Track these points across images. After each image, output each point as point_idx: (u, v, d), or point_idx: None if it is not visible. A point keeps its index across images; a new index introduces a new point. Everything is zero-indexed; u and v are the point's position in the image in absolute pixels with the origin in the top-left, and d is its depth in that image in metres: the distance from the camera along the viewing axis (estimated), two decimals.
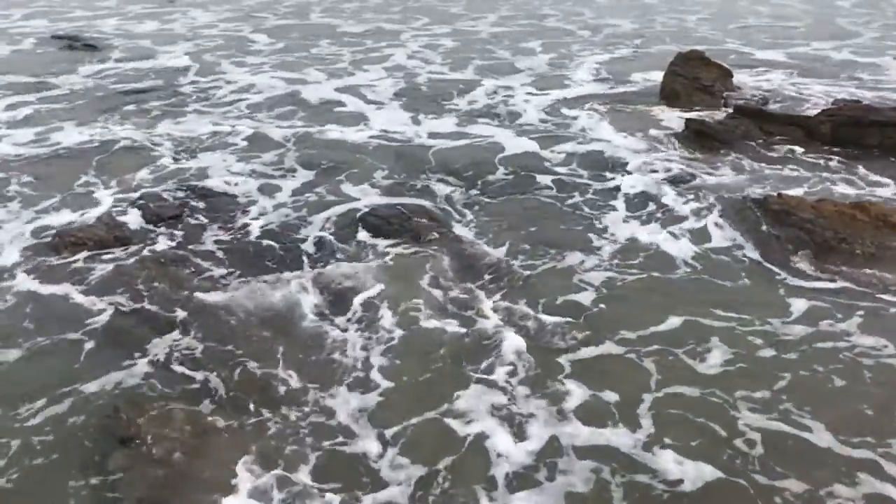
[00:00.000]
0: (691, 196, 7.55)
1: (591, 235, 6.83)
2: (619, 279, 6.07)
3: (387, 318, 5.48)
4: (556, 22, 18.76)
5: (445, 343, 5.20)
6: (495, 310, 5.60)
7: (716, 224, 6.94)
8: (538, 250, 6.55)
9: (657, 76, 12.01)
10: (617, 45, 15.73)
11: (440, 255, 6.34)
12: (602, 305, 5.72)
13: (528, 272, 6.17)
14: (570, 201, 7.56)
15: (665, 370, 4.93)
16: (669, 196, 7.57)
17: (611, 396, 4.65)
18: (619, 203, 7.50)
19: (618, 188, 7.84)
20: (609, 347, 5.19)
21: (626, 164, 8.46)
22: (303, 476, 4.01)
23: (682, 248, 6.56)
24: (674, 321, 5.45)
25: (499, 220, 7.14)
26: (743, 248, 6.49)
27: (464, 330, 5.34)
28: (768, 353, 5.09)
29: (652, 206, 7.38)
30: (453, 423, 4.43)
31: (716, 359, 5.02)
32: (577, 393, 4.68)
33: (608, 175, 8.20)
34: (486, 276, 6.09)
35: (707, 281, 6.05)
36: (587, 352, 5.12)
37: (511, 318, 5.50)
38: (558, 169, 8.44)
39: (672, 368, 4.95)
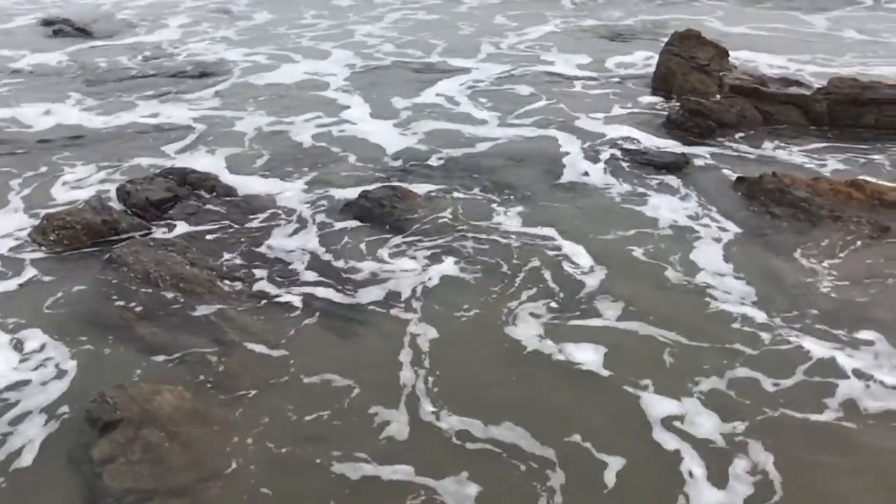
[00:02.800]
0: (691, 179, 7.45)
1: (604, 234, 6.44)
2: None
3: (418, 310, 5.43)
4: None
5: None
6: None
7: (710, 205, 6.88)
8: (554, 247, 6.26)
9: (644, 55, 11.96)
10: (603, 20, 15.53)
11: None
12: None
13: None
14: (562, 192, 7.44)
15: None
16: (668, 181, 7.44)
17: None
18: (617, 187, 7.35)
19: (617, 172, 7.69)
20: None
21: (619, 148, 8.30)
22: (293, 462, 3.96)
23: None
24: None
25: (498, 211, 7.06)
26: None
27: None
28: None
29: (649, 192, 7.25)
30: None
31: None
32: None
33: (608, 162, 7.98)
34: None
35: None
36: None
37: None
38: (550, 159, 8.15)
39: None
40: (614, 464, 3.90)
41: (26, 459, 4.00)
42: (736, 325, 5.06)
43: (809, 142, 8.42)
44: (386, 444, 4.08)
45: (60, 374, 4.68)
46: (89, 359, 4.82)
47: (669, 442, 4.04)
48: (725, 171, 7.59)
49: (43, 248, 6.17)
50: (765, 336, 4.92)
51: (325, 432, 4.16)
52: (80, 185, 7.52)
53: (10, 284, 5.71)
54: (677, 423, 4.17)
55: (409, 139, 8.89)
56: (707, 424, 4.16)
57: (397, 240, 6.29)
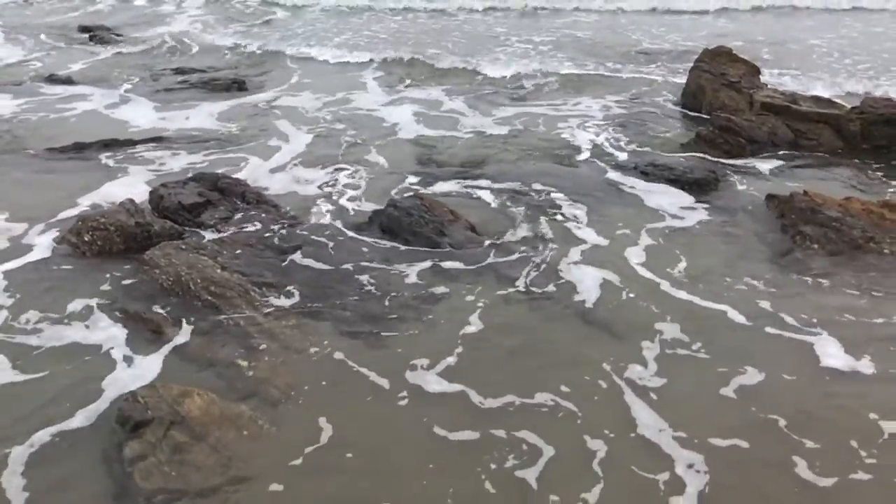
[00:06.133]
0: (720, 197, 7.43)
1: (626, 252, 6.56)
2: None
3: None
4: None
5: None
6: None
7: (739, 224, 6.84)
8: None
9: (673, 70, 12.00)
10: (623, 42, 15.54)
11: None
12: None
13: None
14: (589, 204, 7.45)
15: None
16: (697, 197, 7.40)
17: None
18: (646, 207, 7.31)
19: (645, 187, 7.68)
20: None
21: (647, 163, 8.25)
22: (322, 469, 3.98)
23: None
24: None
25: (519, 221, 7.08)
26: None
27: None
28: None
29: (680, 210, 7.21)
30: None
31: None
32: None
33: (637, 177, 7.97)
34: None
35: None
36: None
37: None
38: (576, 172, 8.22)
39: None
40: None
41: (58, 456, 4.05)
42: (764, 344, 5.04)
43: (842, 161, 8.35)
44: (416, 452, 4.09)
45: (92, 373, 4.74)
46: (120, 359, 4.88)
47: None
48: (755, 189, 7.53)
49: (77, 248, 6.26)
50: (794, 351, 4.90)
51: (353, 439, 4.18)
52: (113, 189, 7.64)
53: (43, 285, 5.79)
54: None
55: (432, 138, 9.33)
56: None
57: (425, 250, 6.32)
